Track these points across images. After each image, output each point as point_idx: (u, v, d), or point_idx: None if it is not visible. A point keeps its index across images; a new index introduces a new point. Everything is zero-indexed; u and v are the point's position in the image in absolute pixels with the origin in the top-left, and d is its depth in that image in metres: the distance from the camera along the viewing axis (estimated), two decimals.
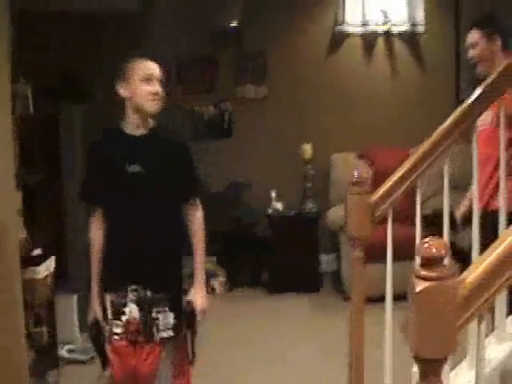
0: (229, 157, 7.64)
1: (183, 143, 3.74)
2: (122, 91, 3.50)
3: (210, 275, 7.08)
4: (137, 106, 3.49)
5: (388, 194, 3.27)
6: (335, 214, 6.70)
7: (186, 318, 3.58)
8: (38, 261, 4.71)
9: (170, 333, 3.55)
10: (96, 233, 3.67)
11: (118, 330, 3.54)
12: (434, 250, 1.72)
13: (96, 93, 6.82)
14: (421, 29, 7.57)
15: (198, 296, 3.62)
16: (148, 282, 3.51)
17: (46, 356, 4.73)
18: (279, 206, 7.24)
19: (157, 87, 3.49)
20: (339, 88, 7.67)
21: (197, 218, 3.69)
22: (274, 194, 7.26)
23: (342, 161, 7.37)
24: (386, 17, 7.51)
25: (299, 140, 7.31)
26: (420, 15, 7.53)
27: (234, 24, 7.54)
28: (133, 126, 3.54)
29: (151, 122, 3.58)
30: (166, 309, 3.53)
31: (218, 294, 7.07)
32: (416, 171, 3.26)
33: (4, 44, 4.12)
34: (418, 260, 1.79)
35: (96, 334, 3.65)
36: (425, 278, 1.71)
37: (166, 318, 3.54)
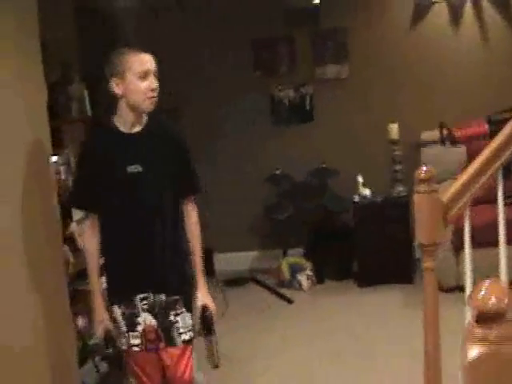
0: (311, 142, 7.25)
1: (178, 136, 3.53)
2: (116, 88, 3.25)
3: (297, 269, 6.77)
4: (133, 103, 3.26)
5: (463, 191, 2.81)
6: None
7: (204, 323, 3.48)
8: None
9: (191, 334, 3.45)
10: (91, 242, 3.46)
11: (137, 341, 3.41)
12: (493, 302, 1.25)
13: None
14: None
15: (207, 297, 3.52)
16: (160, 286, 3.38)
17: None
18: (367, 191, 6.78)
19: (154, 83, 3.26)
20: (425, 62, 7.11)
21: (193, 217, 3.53)
22: (360, 180, 6.81)
23: (432, 141, 6.85)
24: None
25: (385, 120, 6.81)
26: None
27: (311, 1, 7.14)
28: (128, 123, 3.34)
29: (145, 118, 3.36)
30: (184, 310, 3.42)
31: (304, 289, 6.69)
32: (494, 162, 2.80)
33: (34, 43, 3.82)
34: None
35: (111, 345, 3.43)
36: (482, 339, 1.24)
37: (185, 320, 3.42)
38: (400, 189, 6.68)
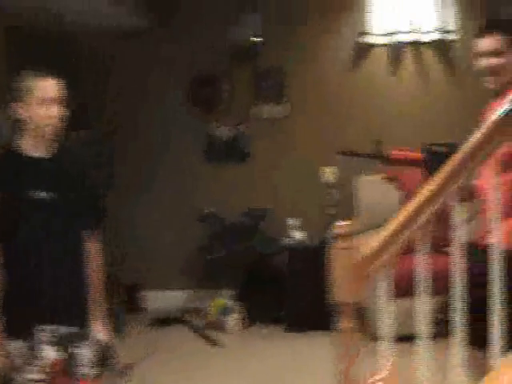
0: (246, 182, 7.14)
1: (86, 170, 3.53)
2: (19, 112, 3.16)
3: (227, 311, 6.60)
4: (34, 128, 3.17)
5: (383, 246, 2.66)
6: (362, 242, 6.09)
7: (102, 355, 3.38)
8: None
9: (92, 367, 3.32)
10: None
11: (35, 376, 3.19)
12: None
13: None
14: (452, 36, 6.93)
15: (104, 330, 3.42)
16: (61, 317, 3.24)
17: None
18: (301, 235, 6.65)
19: (54, 110, 3.16)
20: (365, 103, 7.07)
21: (93, 249, 3.42)
22: (294, 223, 6.68)
23: (370, 184, 6.76)
24: (413, 25, 6.90)
25: (322, 162, 6.71)
26: (451, 22, 6.90)
27: (250, 39, 7.08)
28: (32, 148, 3.22)
29: (54, 146, 3.27)
30: (84, 342, 3.30)
31: (232, 332, 6.52)
32: (418, 216, 2.64)
33: None
34: None
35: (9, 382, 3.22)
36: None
37: (86, 353, 3.30)
38: None
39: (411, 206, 2.64)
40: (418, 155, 6.45)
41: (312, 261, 6.50)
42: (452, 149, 6.43)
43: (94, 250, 3.42)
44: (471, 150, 2.48)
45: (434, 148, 6.45)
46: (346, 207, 6.70)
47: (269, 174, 7.12)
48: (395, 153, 6.48)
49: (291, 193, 7.04)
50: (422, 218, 2.59)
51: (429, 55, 7.04)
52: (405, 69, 7.07)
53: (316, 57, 7.10)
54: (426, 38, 6.97)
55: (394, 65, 7.05)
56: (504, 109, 2.43)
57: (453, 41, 6.93)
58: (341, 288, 2.64)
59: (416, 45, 7.01)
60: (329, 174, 6.61)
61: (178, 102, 7.17)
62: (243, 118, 7.18)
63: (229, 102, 7.19)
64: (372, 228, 6.45)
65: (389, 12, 6.92)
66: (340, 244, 2.64)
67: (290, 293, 6.56)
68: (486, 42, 3.52)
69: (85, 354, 3.30)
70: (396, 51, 7.01)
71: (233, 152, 7.24)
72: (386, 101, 7.08)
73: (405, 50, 7.02)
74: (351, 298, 2.64)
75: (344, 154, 6.42)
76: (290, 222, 6.73)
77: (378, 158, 6.39)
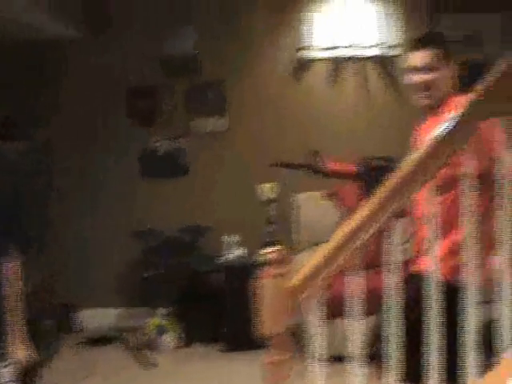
0: (185, 197, 6.96)
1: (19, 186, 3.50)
2: None
3: (163, 330, 6.43)
4: None
5: (314, 274, 2.53)
6: (301, 261, 5.98)
7: (24, 376, 3.26)
8: None
9: None
10: None
11: None
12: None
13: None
14: (394, 51, 6.87)
15: (24, 350, 3.28)
16: None
17: None
18: (240, 252, 6.51)
19: None
20: (304, 118, 6.96)
21: (12, 271, 3.29)
22: (233, 239, 6.54)
23: (309, 200, 6.65)
24: (354, 40, 6.84)
25: (262, 177, 6.57)
26: (393, 37, 6.85)
27: (188, 52, 6.93)
28: None
29: None
30: (2, 364, 3.21)
31: (169, 351, 6.35)
32: (352, 242, 2.51)
33: None
34: None
35: None
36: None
37: (4, 373, 3.20)
38: None
39: (347, 227, 2.50)
40: (353, 168, 6.42)
41: (250, 278, 6.37)
42: (389, 163, 6.45)
43: (11, 272, 3.28)
44: (412, 169, 2.38)
45: (372, 162, 6.44)
46: (286, 224, 6.59)
47: (208, 189, 6.96)
48: (330, 164, 6.44)
49: (230, 209, 6.88)
50: (359, 241, 2.47)
51: (370, 70, 6.97)
52: (345, 83, 6.99)
53: (256, 71, 6.98)
54: (367, 53, 6.90)
55: (334, 79, 6.97)
56: (444, 127, 2.33)
57: (394, 56, 6.87)
58: (270, 319, 2.50)
59: (357, 59, 6.94)
60: (268, 189, 6.48)
61: (115, 115, 6.98)
62: (182, 131, 7.02)
63: (167, 115, 7.02)
64: (311, 246, 6.40)
65: (330, 26, 6.85)
66: (269, 271, 2.50)
67: (229, 311, 6.40)
68: (418, 57, 3.42)
69: (3, 374, 3.19)
70: (336, 66, 6.93)
71: (171, 167, 7.05)
72: (326, 115, 6.99)
73: (345, 64, 6.94)
74: (281, 328, 2.50)
75: (278, 165, 6.36)
76: (229, 238, 6.58)
77: (313, 169, 6.34)
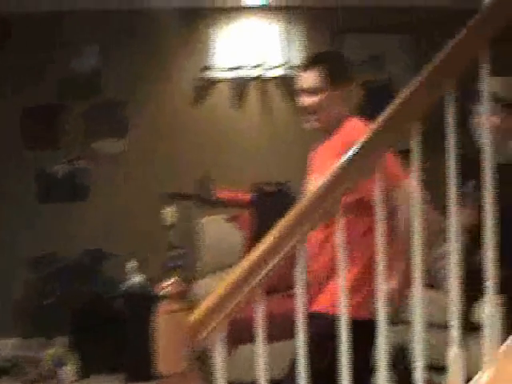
0: (84, 221, 6.69)
1: None
2: None
3: (60, 361, 6.15)
4: None
5: (217, 308, 2.35)
6: (204, 287, 5.82)
7: None
8: None
9: None
10: None
11: None
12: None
13: None
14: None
15: None
16: None
17: None
18: (139, 278, 6.28)
19: None
20: (205, 140, 6.81)
21: None
22: (132, 265, 6.32)
23: (213, 224, 6.50)
24: (259, 60, 6.75)
25: (162, 202, 6.38)
26: (297, 57, 6.77)
27: (87, 71, 6.71)
28: None
29: None
30: None
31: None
32: (259, 271, 2.33)
33: None
34: None
35: None
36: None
37: None
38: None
39: (246, 261, 2.35)
40: (247, 196, 6.33)
41: (151, 306, 6.14)
42: (285, 188, 6.39)
43: None
44: (314, 199, 2.26)
45: (266, 188, 6.38)
46: (190, 248, 6.41)
47: (108, 212, 6.70)
48: (222, 193, 6.33)
49: (131, 233, 6.64)
50: (260, 275, 2.31)
51: (273, 91, 6.88)
52: (248, 104, 6.89)
53: (157, 91, 6.80)
54: (271, 74, 6.82)
55: (237, 100, 6.86)
56: (347, 156, 2.23)
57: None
58: (167, 358, 2.32)
59: (261, 80, 6.85)
60: (168, 214, 6.30)
61: (8, 136, 6.67)
62: (81, 153, 6.77)
63: (66, 136, 6.76)
64: (216, 270, 6.25)
65: (234, 47, 6.76)
66: (165, 307, 2.32)
67: (130, 340, 6.16)
68: (304, 78, 3.24)
69: None
70: (240, 86, 6.82)
71: (70, 190, 6.79)
72: (227, 137, 6.86)
73: (249, 85, 6.84)
74: (180, 367, 2.31)
75: (170, 196, 6.22)
76: (129, 264, 6.36)
77: (205, 200, 6.23)
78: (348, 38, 6.84)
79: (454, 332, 2.26)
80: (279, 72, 6.82)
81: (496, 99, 2.87)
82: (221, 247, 6.29)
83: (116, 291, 6.39)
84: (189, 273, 6.11)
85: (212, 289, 2.37)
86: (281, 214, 2.29)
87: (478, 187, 2.25)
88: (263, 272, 2.29)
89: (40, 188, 6.75)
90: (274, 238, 2.27)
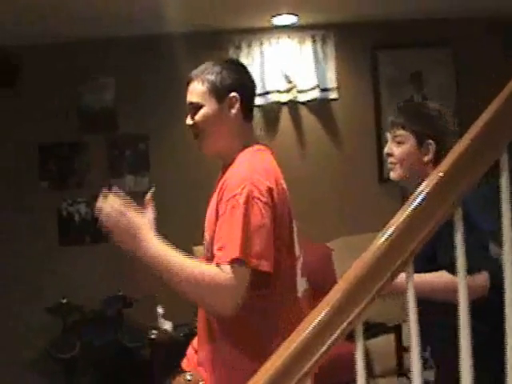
0: (106, 265, 6.21)
1: None
2: None
3: None
4: None
5: None
6: None
7: None
8: None
9: None
10: None
11: None
12: None
13: None
14: (333, 95, 6.32)
15: None
16: None
17: None
18: (168, 325, 5.80)
19: None
20: None
21: None
22: (160, 311, 5.83)
23: None
24: (290, 83, 6.27)
25: (189, 241, 5.89)
26: (331, 79, 6.30)
27: (107, 105, 6.38)
28: None
29: None
30: None
31: None
32: None
33: None
34: None
35: None
36: None
37: None
38: None
39: None
40: None
41: (179, 353, 5.67)
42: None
43: None
44: None
45: None
46: None
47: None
48: None
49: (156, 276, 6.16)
50: None
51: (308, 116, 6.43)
52: (281, 131, 6.44)
53: (179, 123, 6.34)
54: (304, 98, 6.37)
55: (269, 127, 6.41)
56: None
57: (333, 99, 6.35)
58: None
59: (293, 104, 6.40)
60: (199, 253, 5.81)
61: (24, 176, 6.28)
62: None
63: (84, 174, 6.35)
64: None
65: (261, 71, 6.30)
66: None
67: None
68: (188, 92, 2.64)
69: None
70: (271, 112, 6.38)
71: (91, 231, 6.34)
72: None
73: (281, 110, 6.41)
74: None
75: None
76: (158, 310, 5.88)
77: None
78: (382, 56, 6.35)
79: None
80: (313, 95, 6.33)
81: None
82: None
83: (141, 340, 5.92)
84: None
85: None
86: None
87: None
88: None
89: (59, 229, 6.38)
90: None
